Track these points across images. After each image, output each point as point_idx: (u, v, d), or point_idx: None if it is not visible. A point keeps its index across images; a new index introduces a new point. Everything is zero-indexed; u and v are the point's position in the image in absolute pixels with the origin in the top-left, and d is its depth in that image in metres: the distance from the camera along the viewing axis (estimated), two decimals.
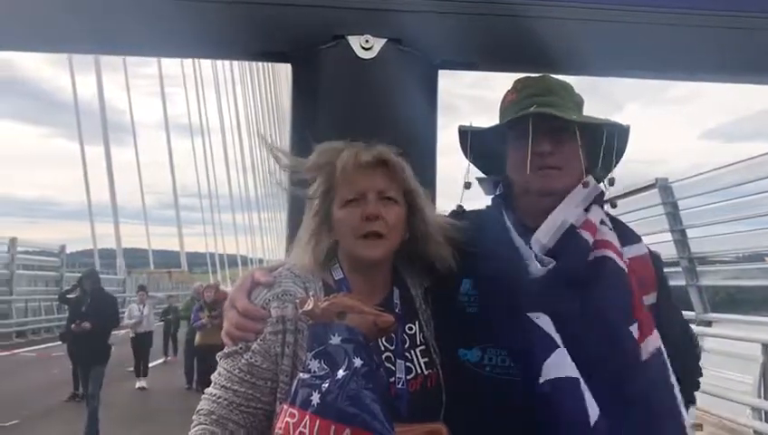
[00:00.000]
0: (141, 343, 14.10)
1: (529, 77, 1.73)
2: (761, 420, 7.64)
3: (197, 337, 12.27)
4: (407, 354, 1.56)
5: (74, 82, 34.69)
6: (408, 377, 1.53)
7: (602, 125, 1.66)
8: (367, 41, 1.77)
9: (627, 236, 1.72)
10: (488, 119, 1.80)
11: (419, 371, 1.56)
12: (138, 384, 13.64)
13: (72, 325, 9.59)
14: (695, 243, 9.48)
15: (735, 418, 7.90)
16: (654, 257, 1.74)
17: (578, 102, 1.72)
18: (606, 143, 1.65)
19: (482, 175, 1.84)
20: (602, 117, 1.68)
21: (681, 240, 9.42)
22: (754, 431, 7.74)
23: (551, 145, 1.61)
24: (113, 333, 10.11)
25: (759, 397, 7.62)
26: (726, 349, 8.72)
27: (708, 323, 9.50)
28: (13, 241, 23.82)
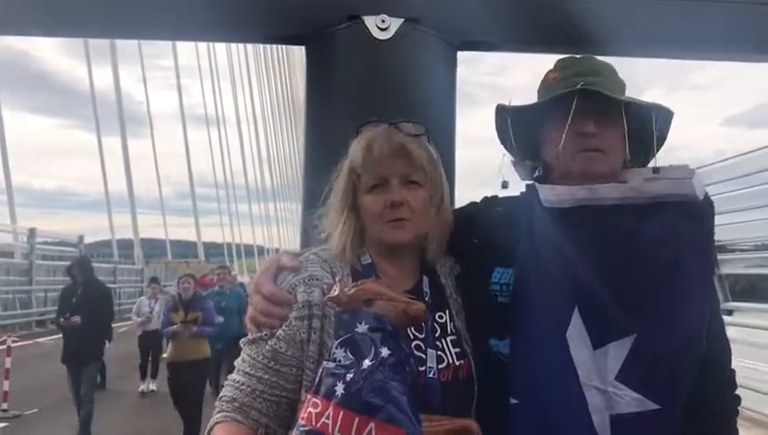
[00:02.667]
0: (149, 343, 12.13)
1: (573, 57, 1.65)
2: None
3: (168, 349, 8.69)
4: (437, 343, 1.52)
5: (91, 73, 34.95)
6: (440, 366, 1.48)
7: (649, 109, 1.57)
8: (383, 21, 1.72)
9: None
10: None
11: (451, 360, 1.51)
12: (141, 387, 12.07)
13: (62, 320, 8.45)
14: (715, 230, 9.35)
15: (758, 408, 7.81)
16: None
17: (621, 85, 1.64)
18: (651, 127, 1.57)
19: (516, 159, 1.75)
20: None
21: None
22: None
23: (596, 126, 1.52)
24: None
25: None
26: (747, 338, 8.62)
27: (729, 313, 9.41)
28: (32, 232, 24.14)
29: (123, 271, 32.54)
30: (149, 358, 12.21)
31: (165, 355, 8.75)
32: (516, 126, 1.66)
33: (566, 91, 1.52)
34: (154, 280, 14.10)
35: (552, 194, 1.56)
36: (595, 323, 1.47)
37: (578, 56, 1.65)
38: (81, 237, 28.01)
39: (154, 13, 1.87)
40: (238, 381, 1.47)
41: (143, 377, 12.21)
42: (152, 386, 12.08)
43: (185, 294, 8.63)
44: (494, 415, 1.47)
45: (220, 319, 8.95)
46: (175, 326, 8.31)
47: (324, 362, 1.30)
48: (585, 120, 1.52)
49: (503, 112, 1.66)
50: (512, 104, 1.66)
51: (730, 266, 9.82)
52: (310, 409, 1.26)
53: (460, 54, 1.88)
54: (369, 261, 1.55)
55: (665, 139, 1.63)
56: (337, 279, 1.45)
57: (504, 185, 1.67)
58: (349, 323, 1.30)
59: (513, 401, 1.48)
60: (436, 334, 1.53)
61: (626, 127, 1.54)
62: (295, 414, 1.42)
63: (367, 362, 1.24)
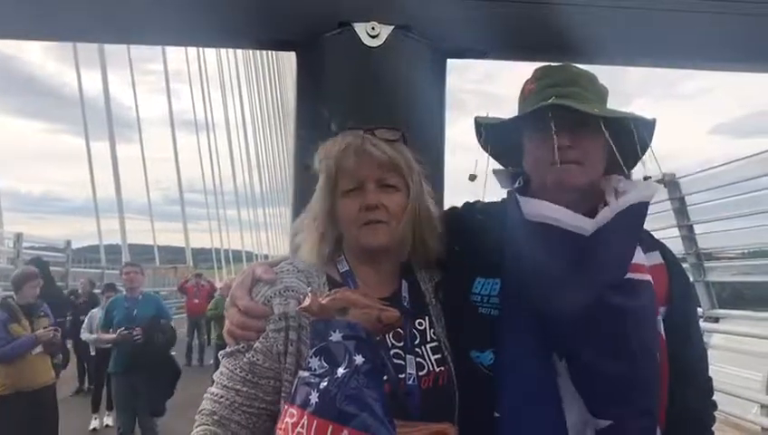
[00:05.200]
0: (106, 364, 7.97)
1: (550, 66, 1.64)
2: None
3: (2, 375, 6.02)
4: (417, 350, 1.51)
5: (80, 77, 34.70)
6: (420, 374, 1.47)
7: (626, 119, 1.55)
8: (373, 28, 1.73)
9: (646, 242, 1.62)
10: (494, 113, 1.71)
11: (431, 368, 1.50)
12: (93, 423, 9.35)
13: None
14: (702, 238, 9.43)
15: (743, 415, 7.84)
16: (671, 266, 1.63)
17: (601, 93, 1.63)
18: (629, 137, 1.55)
19: (499, 167, 1.76)
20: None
21: (688, 236, 9.37)
22: (762, 429, 7.68)
23: (570, 139, 1.51)
24: None
25: (767, 394, 7.57)
26: (734, 345, 8.67)
27: (716, 320, 9.45)
28: (18, 236, 23.82)
29: (111, 276, 32.30)
30: (105, 383, 8.80)
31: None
32: (495, 139, 1.66)
33: (537, 106, 1.52)
34: (110, 287, 10.71)
35: (530, 207, 1.56)
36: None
37: (555, 65, 1.64)
38: (68, 242, 27.70)
39: (145, 18, 1.86)
40: (217, 395, 1.48)
41: (95, 409, 9.48)
42: (107, 420, 9.37)
43: (27, 300, 6.38)
44: (478, 427, 1.46)
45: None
46: (39, 331, 6.12)
47: (300, 372, 1.31)
48: (559, 134, 1.50)
49: (480, 127, 1.66)
50: (489, 117, 1.66)
51: (717, 274, 9.86)
52: (287, 419, 1.26)
53: (449, 62, 1.89)
54: (347, 268, 1.54)
55: (647, 148, 1.61)
56: (309, 290, 1.44)
57: (472, 178, 1.66)
58: (323, 332, 1.30)
59: (496, 414, 1.47)
60: (416, 341, 1.52)
61: (602, 136, 1.53)
62: (275, 426, 1.41)
63: (341, 370, 1.24)
